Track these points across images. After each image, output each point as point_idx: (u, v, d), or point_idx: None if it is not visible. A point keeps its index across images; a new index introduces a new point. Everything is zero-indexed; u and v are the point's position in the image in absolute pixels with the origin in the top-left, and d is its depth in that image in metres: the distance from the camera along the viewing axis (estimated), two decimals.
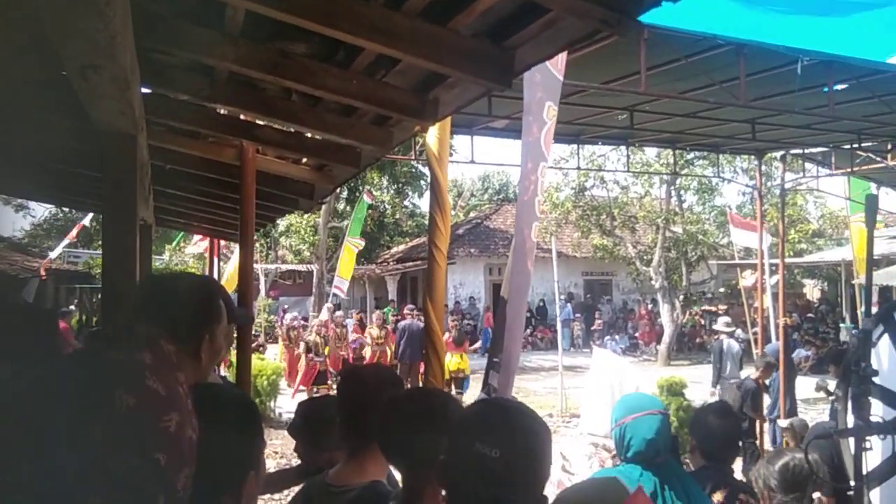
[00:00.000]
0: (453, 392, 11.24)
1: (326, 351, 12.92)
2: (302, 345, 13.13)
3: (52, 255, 14.00)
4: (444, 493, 1.40)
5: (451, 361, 11.59)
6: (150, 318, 1.79)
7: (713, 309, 22.36)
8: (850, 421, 3.30)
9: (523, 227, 3.53)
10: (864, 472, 3.12)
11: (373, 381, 1.98)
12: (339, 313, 15.36)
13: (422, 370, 12.48)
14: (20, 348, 2.22)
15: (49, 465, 0.83)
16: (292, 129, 3.76)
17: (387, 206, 30.34)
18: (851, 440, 3.32)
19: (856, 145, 8.83)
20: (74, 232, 15.92)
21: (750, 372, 11.03)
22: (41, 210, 30.64)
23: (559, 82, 3.54)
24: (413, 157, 10.48)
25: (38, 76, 2.74)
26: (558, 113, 7.41)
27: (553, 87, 3.50)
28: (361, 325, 16.04)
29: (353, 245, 18.44)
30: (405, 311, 14.51)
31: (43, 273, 13.15)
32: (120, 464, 0.84)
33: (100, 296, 21.26)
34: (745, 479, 2.95)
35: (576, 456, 7.73)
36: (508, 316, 3.48)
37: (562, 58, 3.60)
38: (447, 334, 12.54)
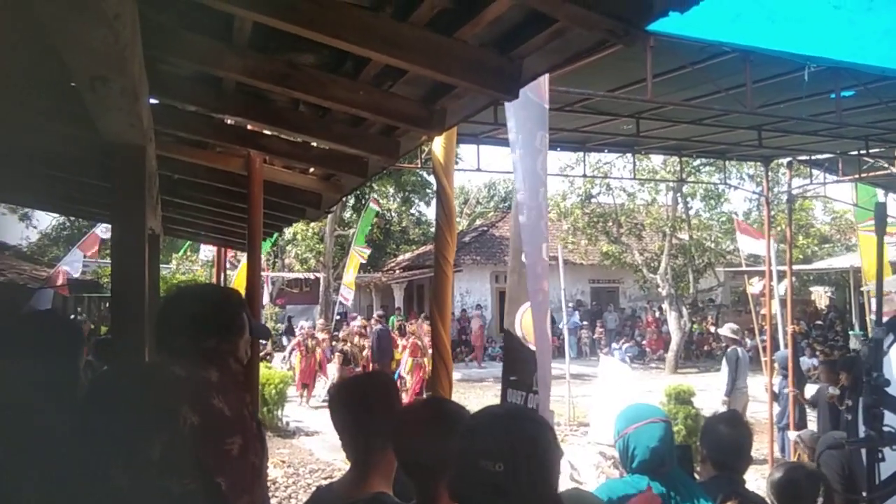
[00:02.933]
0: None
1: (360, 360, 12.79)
2: (338, 356, 12.92)
3: (66, 267, 13.77)
4: None
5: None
6: (174, 330, 1.80)
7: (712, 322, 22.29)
8: (862, 431, 3.26)
9: (532, 250, 3.48)
10: (877, 483, 3.09)
11: (369, 391, 1.95)
12: (357, 322, 15.21)
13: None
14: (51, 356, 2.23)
15: (100, 483, 0.80)
16: (299, 140, 3.77)
17: (393, 214, 30.36)
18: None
19: (863, 151, 8.79)
20: (95, 248, 15.57)
21: (760, 380, 10.98)
22: (46, 220, 30.75)
23: (545, 110, 3.51)
24: (419, 166, 10.50)
25: (47, 86, 2.76)
26: (564, 120, 7.42)
27: (540, 116, 3.47)
28: (402, 333, 14.95)
29: (358, 254, 18.45)
30: (375, 317, 15.91)
31: (65, 288, 13.02)
32: (178, 485, 0.80)
33: (107, 304, 21.33)
34: None
35: (584, 465, 7.69)
36: (537, 340, 3.43)
37: (544, 82, 3.57)
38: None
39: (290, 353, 15.81)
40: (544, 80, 3.51)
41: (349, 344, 12.75)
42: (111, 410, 0.86)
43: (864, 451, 3.23)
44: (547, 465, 1.27)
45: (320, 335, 13.91)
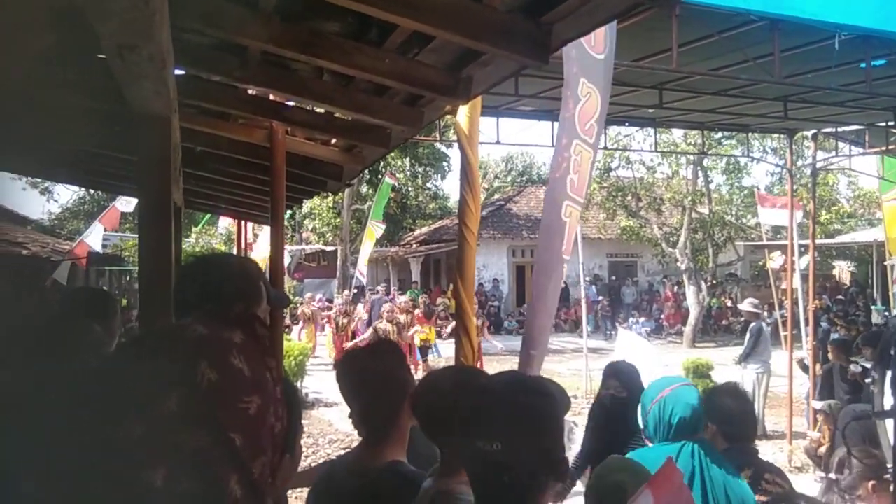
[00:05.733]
0: (419, 359, 12.85)
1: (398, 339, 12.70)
2: (370, 332, 12.89)
3: (88, 240, 13.84)
4: None
5: (420, 333, 13.28)
6: (191, 298, 1.82)
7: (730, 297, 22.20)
8: (888, 403, 3.24)
9: (552, 205, 3.46)
10: None
11: (376, 360, 1.95)
12: (403, 298, 15.19)
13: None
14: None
15: (113, 434, 0.81)
16: (322, 110, 3.75)
17: (409, 188, 30.31)
18: (889, 423, 3.26)
19: (891, 123, 8.61)
20: (116, 222, 15.58)
21: (777, 355, 10.92)
22: (66, 194, 31.06)
23: (596, 60, 3.45)
24: (437, 139, 10.45)
25: (72, 58, 2.76)
26: None
27: (588, 64, 3.42)
28: (428, 315, 14.14)
29: (374, 228, 18.47)
30: (376, 289, 19.25)
31: (83, 261, 13.15)
32: (191, 439, 0.82)
33: (128, 278, 21.55)
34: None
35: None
36: (534, 294, 3.43)
37: (597, 37, 3.51)
38: (417, 309, 13.99)
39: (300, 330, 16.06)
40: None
41: (385, 322, 12.48)
42: (130, 364, 0.88)
43: (889, 422, 3.22)
44: (547, 433, 1.26)
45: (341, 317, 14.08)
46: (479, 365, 11.70)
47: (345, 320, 14.41)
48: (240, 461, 0.85)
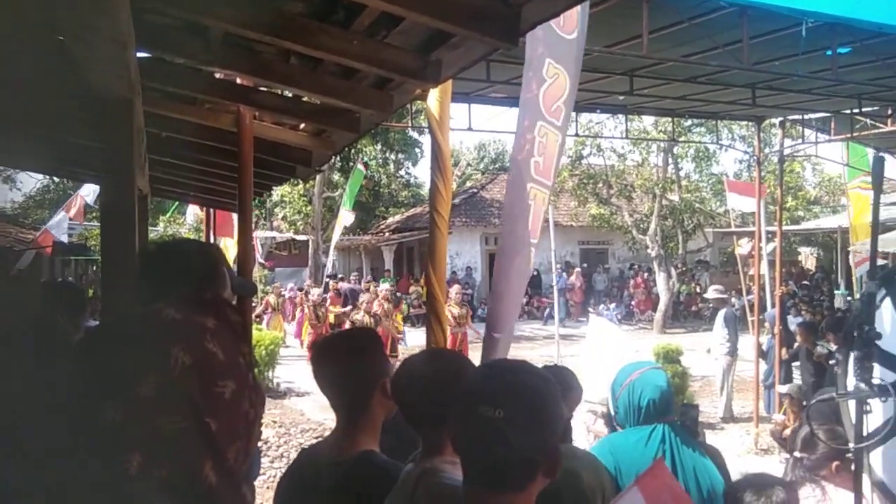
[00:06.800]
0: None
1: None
2: (347, 325, 12.73)
3: (53, 230, 13.43)
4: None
5: None
6: (152, 284, 1.78)
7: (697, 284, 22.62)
8: (850, 384, 3.31)
9: (516, 188, 3.44)
10: (864, 435, 3.15)
11: (353, 349, 1.93)
12: (385, 286, 15.14)
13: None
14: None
15: (89, 419, 0.80)
16: (290, 94, 3.69)
17: (381, 175, 30.15)
18: (851, 403, 3.33)
19: (856, 110, 8.77)
20: (76, 212, 15.14)
21: (745, 339, 11.13)
22: (30, 182, 30.25)
23: (564, 41, 3.43)
24: (409, 125, 10.38)
25: (32, 42, 2.67)
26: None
27: (556, 45, 3.39)
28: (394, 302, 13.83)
29: (344, 216, 18.37)
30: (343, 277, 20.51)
31: (48, 250, 12.87)
32: (169, 423, 0.81)
33: (94, 268, 21.15)
34: None
35: (574, 423, 7.77)
36: (496, 277, 3.42)
37: (567, 17, 3.49)
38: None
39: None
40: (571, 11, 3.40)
41: (363, 314, 12.13)
42: (104, 350, 0.87)
43: (851, 403, 3.29)
44: (548, 417, 1.26)
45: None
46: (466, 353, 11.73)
47: (322, 311, 14.27)
48: (215, 447, 0.84)
